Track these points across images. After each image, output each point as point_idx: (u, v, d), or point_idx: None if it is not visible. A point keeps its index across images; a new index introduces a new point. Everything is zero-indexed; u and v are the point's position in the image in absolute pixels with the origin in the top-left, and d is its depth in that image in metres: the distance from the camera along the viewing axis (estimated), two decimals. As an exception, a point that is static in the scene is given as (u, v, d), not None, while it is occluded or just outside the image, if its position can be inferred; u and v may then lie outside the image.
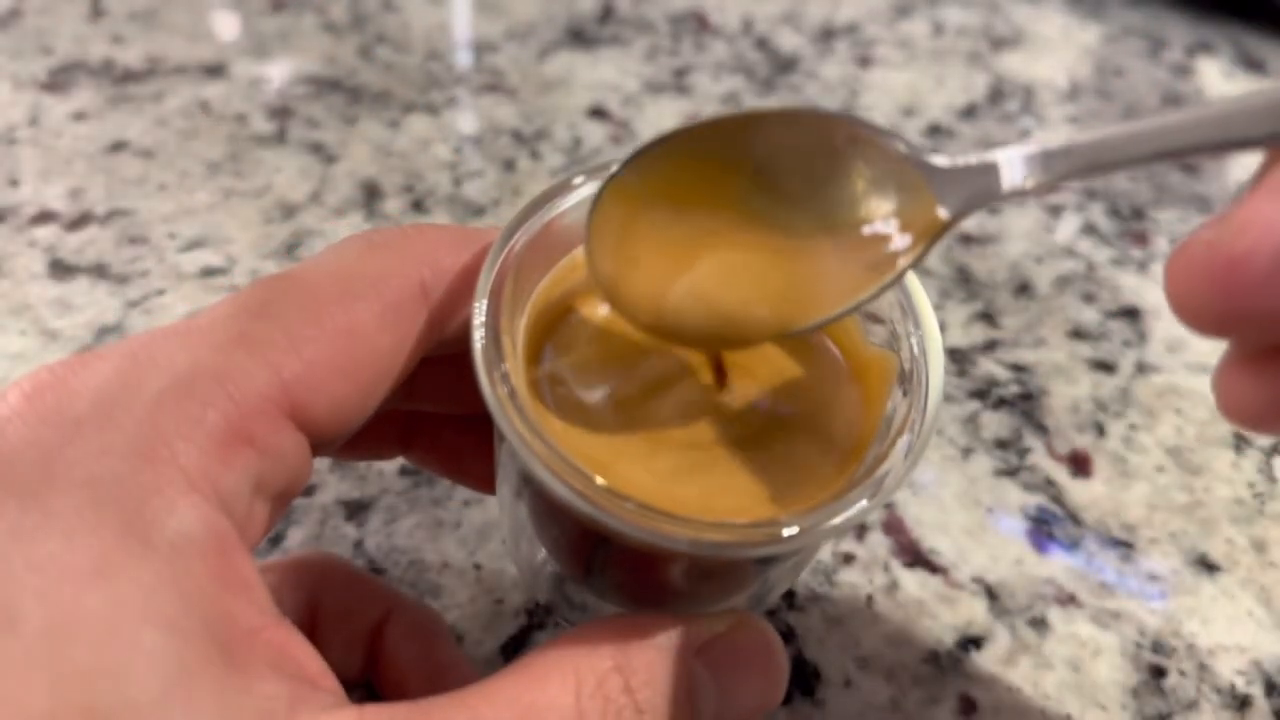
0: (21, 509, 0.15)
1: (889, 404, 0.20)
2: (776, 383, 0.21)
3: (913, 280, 0.19)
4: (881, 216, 0.18)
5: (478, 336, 0.18)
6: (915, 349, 0.19)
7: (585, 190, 0.20)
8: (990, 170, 0.17)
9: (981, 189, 0.17)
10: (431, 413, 0.24)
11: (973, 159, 0.17)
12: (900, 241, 0.18)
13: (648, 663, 0.17)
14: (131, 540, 0.15)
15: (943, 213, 0.17)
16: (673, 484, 0.19)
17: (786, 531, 0.17)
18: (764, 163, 0.18)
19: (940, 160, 0.17)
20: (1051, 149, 0.16)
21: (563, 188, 0.20)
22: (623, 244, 0.19)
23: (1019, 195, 0.17)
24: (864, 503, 0.17)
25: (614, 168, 0.19)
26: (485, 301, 0.18)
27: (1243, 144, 0.14)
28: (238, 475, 0.17)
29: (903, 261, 0.18)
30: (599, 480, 0.17)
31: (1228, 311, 0.14)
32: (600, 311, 0.22)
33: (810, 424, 0.20)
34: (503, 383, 0.18)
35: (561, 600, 0.26)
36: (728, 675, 0.18)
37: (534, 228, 0.20)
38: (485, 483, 0.24)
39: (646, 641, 0.17)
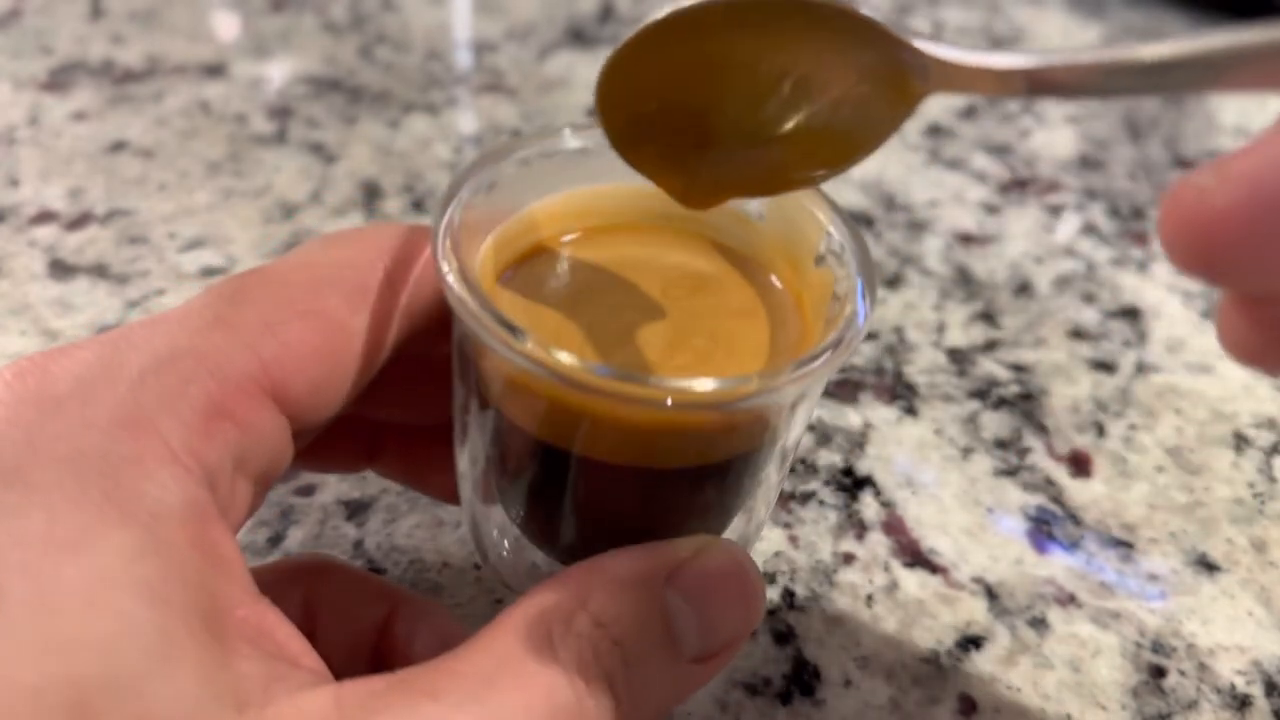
0: (3, 485, 0.15)
1: (828, 311, 0.21)
2: (724, 301, 0.22)
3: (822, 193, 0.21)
4: (870, 86, 0.19)
5: (440, 240, 0.19)
6: (838, 240, 0.21)
7: (529, 151, 0.22)
8: (979, 71, 0.17)
9: (964, 79, 0.17)
10: (396, 424, 0.25)
11: (957, 54, 0.17)
12: (887, 109, 0.19)
13: (612, 595, 0.17)
14: (111, 510, 0.15)
15: (920, 85, 0.18)
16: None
17: (759, 383, 0.17)
18: (763, 37, 0.19)
19: (932, 47, 0.18)
20: (1039, 67, 0.16)
21: (511, 147, 0.22)
22: (635, 108, 0.20)
23: (999, 97, 0.17)
24: (828, 355, 0.18)
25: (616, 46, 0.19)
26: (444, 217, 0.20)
27: (1241, 85, 0.14)
28: (219, 451, 0.17)
29: (886, 128, 0.19)
30: (565, 357, 0.17)
31: (1209, 261, 0.14)
32: (551, 263, 0.23)
33: (758, 336, 0.22)
34: (459, 269, 0.18)
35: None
36: (704, 601, 0.18)
37: (480, 185, 0.21)
38: (449, 493, 0.25)
39: (607, 576, 0.18)
